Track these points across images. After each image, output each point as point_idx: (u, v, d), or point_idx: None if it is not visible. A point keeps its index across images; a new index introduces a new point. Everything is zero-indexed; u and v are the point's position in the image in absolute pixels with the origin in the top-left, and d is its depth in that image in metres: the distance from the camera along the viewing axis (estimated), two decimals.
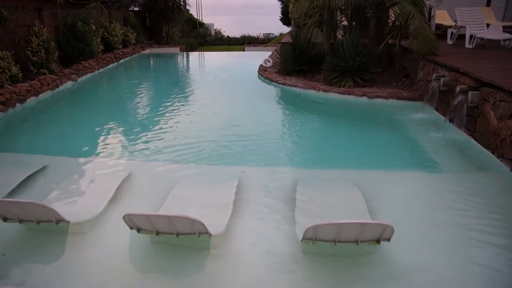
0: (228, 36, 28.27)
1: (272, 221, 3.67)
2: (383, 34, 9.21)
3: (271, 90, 9.58)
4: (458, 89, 5.85)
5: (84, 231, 3.42)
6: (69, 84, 9.88)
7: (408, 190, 4.30)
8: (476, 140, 5.48)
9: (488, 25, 9.29)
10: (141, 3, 19.10)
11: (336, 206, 3.74)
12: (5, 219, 3.31)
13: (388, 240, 2.94)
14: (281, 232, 3.48)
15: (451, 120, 6.22)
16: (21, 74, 8.42)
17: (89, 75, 11.20)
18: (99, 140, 5.96)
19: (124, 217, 2.97)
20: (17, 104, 7.62)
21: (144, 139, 5.99)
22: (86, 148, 5.61)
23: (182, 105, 8.30)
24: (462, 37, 9.46)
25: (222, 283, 2.92)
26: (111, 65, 13.11)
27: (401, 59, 9.37)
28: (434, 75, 7.00)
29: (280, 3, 30.59)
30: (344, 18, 10.43)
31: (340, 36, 10.66)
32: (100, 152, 5.44)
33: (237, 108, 8.07)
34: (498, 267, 3.03)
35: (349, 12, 9.74)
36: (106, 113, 7.78)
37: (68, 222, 3.31)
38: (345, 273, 2.97)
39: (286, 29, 27.72)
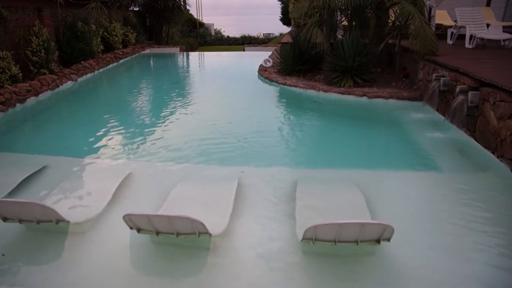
0: (228, 36, 28.27)
1: (272, 221, 3.67)
2: (383, 34, 9.21)
3: (271, 90, 9.58)
4: (458, 89, 5.85)
5: (84, 231, 3.42)
6: (69, 84, 9.88)
7: (408, 190, 4.29)
8: (476, 140, 5.48)
9: (488, 25, 9.29)
10: (141, 3, 19.10)
11: (336, 206, 3.74)
12: (5, 219, 3.31)
13: (388, 240, 2.94)
14: (281, 232, 3.48)
15: (451, 120, 6.21)
16: (21, 74, 8.42)
17: (89, 75, 11.21)
18: (99, 140, 5.95)
19: (124, 217, 2.97)
20: (17, 104, 7.62)
21: (144, 139, 5.99)
22: (86, 148, 5.61)
23: (182, 105, 8.30)
24: (462, 37, 9.46)
25: (222, 283, 2.92)
26: (111, 65, 13.12)
27: (401, 59, 9.37)
28: (434, 75, 7.00)
29: (280, 3, 30.62)
30: (344, 18, 10.43)
31: (340, 36, 10.66)
32: (100, 152, 5.43)
33: (237, 108, 8.07)
34: (499, 267, 3.03)
35: (349, 12, 9.74)
36: (106, 113, 7.77)
37: (68, 222, 3.31)
38: (345, 273, 2.97)
39: (286, 29, 27.75)
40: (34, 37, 9.16)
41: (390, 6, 8.81)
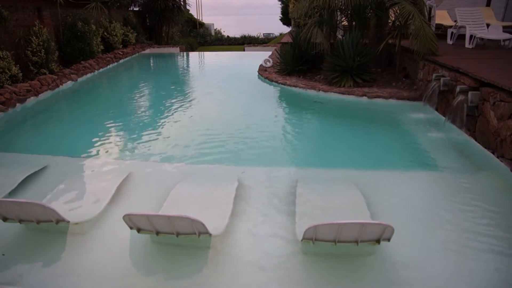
0: (228, 36, 28.25)
1: (272, 221, 3.67)
2: (383, 34, 9.21)
3: (271, 90, 9.58)
4: (458, 89, 5.85)
5: (84, 231, 3.43)
6: (69, 84, 9.89)
7: (408, 190, 4.30)
8: (476, 140, 5.48)
9: (488, 25, 9.29)
10: (141, 3, 19.10)
11: (336, 206, 3.74)
12: (5, 219, 3.31)
13: (388, 240, 2.94)
14: (281, 232, 3.48)
15: (451, 120, 6.21)
16: (21, 74, 8.42)
17: (89, 75, 11.21)
18: (99, 140, 5.95)
19: (124, 217, 2.97)
20: (17, 104, 7.62)
21: (144, 139, 5.99)
22: (86, 148, 5.61)
23: (182, 105, 8.30)
24: (462, 37, 9.46)
25: (222, 283, 2.92)
26: (111, 65, 13.12)
27: (401, 59, 9.37)
28: (434, 75, 7.00)
29: (280, 3, 30.63)
30: (344, 18, 10.43)
31: (340, 36, 10.66)
32: (100, 152, 5.43)
33: (237, 108, 8.07)
34: (498, 266, 3.03)
35: (349, 12, 9.74)
36: (106, 113, 7.77)
37: (68, 222, 3.31)
38: (345, 273, 2.97)
39: (286, 29, 27.75)
40: (34, 37, 9.16)
41: (390, 6, 8.81)
